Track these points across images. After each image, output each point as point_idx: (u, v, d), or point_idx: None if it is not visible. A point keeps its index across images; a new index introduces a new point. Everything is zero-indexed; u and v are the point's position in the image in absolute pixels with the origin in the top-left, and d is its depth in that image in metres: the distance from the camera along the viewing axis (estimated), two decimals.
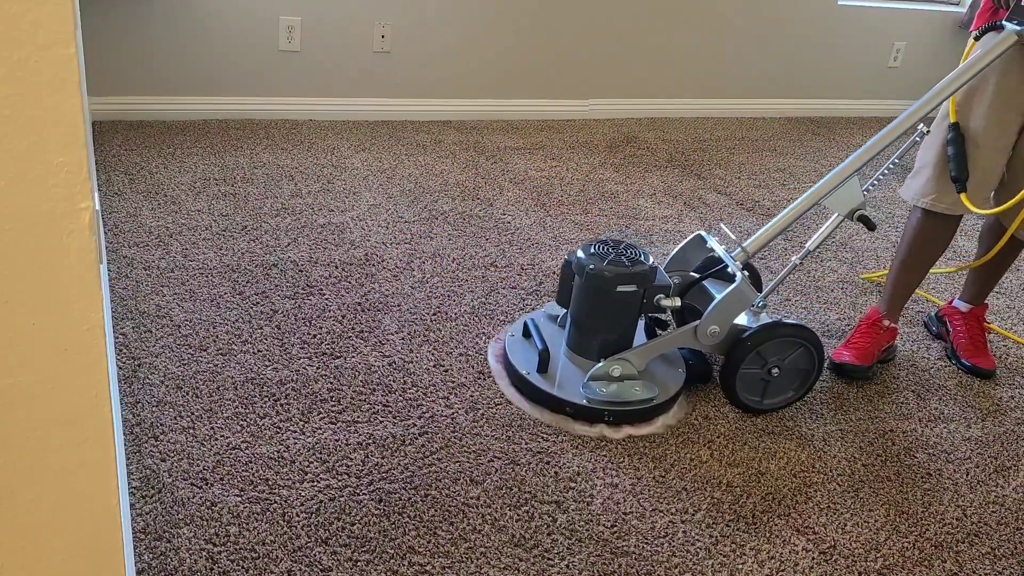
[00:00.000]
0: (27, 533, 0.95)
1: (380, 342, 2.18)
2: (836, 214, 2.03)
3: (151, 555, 1.51)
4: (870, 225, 2.00)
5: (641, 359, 2.01)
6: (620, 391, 1.96)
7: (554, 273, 2.63)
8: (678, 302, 1.99)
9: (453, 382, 2.07)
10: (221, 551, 1.54)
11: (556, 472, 1.83)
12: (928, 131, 2.06)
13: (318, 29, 3.52)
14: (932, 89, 1.99)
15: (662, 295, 1.97)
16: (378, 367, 2.09)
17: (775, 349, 2.02)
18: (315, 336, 2.17)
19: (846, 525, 1.80)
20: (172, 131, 3.34)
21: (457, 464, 1.82)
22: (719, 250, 2.06)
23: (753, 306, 2.05)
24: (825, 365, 2.24)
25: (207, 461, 1.74)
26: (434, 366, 2.12)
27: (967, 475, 1.99)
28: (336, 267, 2.51)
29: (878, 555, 1.73)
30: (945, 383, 2.32)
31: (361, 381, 2.03)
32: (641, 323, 2.10)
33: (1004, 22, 1.95)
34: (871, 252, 3.07)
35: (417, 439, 1.87)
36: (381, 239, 2.71)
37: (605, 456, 1.89)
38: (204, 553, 1.53)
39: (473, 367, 2.13)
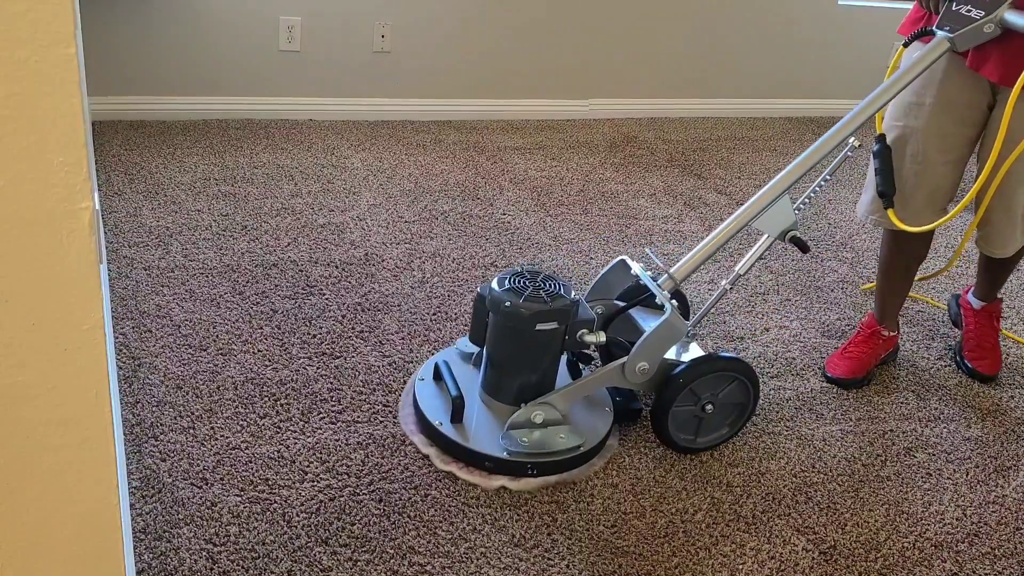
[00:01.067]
0: (27, 533, 0.95)
1: (380, 342, 2.18)
2: (767, 235, 1.93)
3: (151, 555, 1.51)
4: (803, 247, 1.90)
5: (565, 402, 1.83)
6: (544, 439, 1.79)
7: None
8: (603, 337, 1.82)
9: None
10: (221, 551, 1.54)
11: None
12: (859, 145, 1.93)
13: (318, 29, 3.52)
14: (862, 102, 1.90)
15: (585, 330, 1.80)
16: (378, 367, 2.09)
17: (709, 384, 1.88)
18: (315, 336, 2.17)
19: (846, 525, 1.80)
20: (172, 131, 3.34)
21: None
22: (644, 278, 1.92)
23: (686, 337, 1.95)
24: (822, 376, 2.23)
25: (207, 461, 1.74)
26: None
27: (967, 475, 1.99)
28: (336, 267, 2.51)
29: (878, 555, 1.73)
30: (945, 383, 2.32)
31: (361, 381, 2.03)
32: (562, 359, 1.97)
33: (935, 28, 1.87)
34: (872, 252, 3.06)
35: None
36: (381, 239, 2.71)
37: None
38: (204, 553, 1.53)
39: None
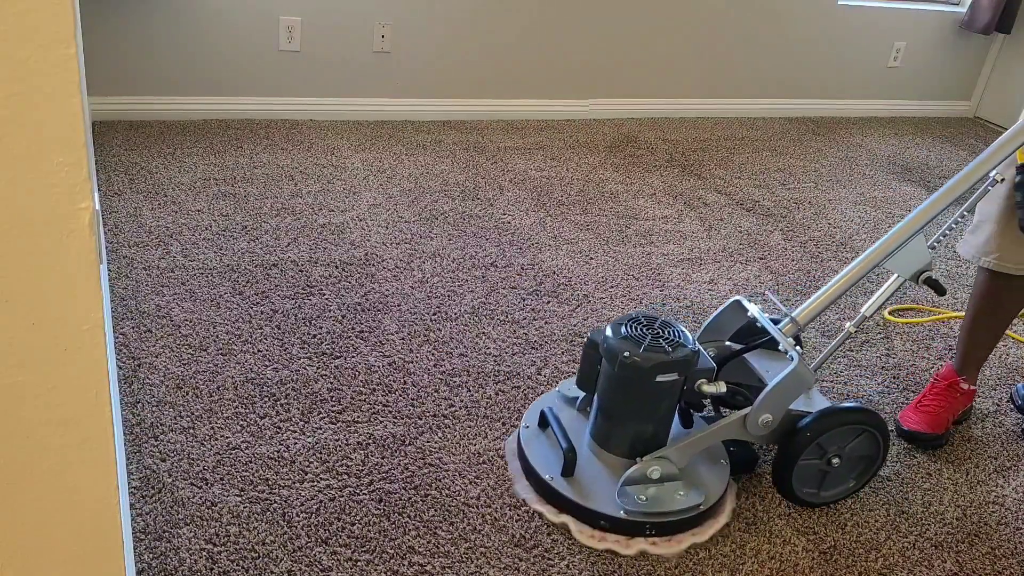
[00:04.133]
0: (27, 533, 0.95)
1: (380, 342, 2.18)
2: (895, 275, 1.78)
3: (151, 555, 1.51)
4: (939, 289, 1.76)
5: (683, 456, 1.72)
6: (661, 497, 1.67)
7: (554, 273, 2.63)
8: (723, 387, 1.71)
9: (453, 382, 2.07)
10: (221, 551, 1.54)
11: None
12: (1002, 179, 1.78)
13: (318, 29, 3.52)
14: (1006, 133, 1.71)
15: (704, 380, 1.70)
16: (378, 367, 2.09)
17: (837, 437, 1.76)
18: (315, 336, 2.17)
19: (846, 525, 1.80)
20: (172, 131, 3.34)
21: (457, 464, 1.82)
22: (764, 321, 1.79)
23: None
24: (891, 431, 2.08)
25: (207, 461, 1.74)
26: (434, 366, 2.12)
27: (967, 475, 1.99)
28: (336, 267, 2.51)
29: (878, 555, 1.73)
30: None
31: (361, 381, 2.03)
32: None
33: None
34: None
35: (417, 439, 1.87)
36: (381, 239, 2.71)
37: None
38: (204, 553, 1.53)
39: (473, 367, 2.13)
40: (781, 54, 4.43)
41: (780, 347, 1.76)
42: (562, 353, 2.23)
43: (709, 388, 1.70)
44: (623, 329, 1.68)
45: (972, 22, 4.63)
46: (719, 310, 1.90)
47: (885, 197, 3.64)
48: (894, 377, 2.32)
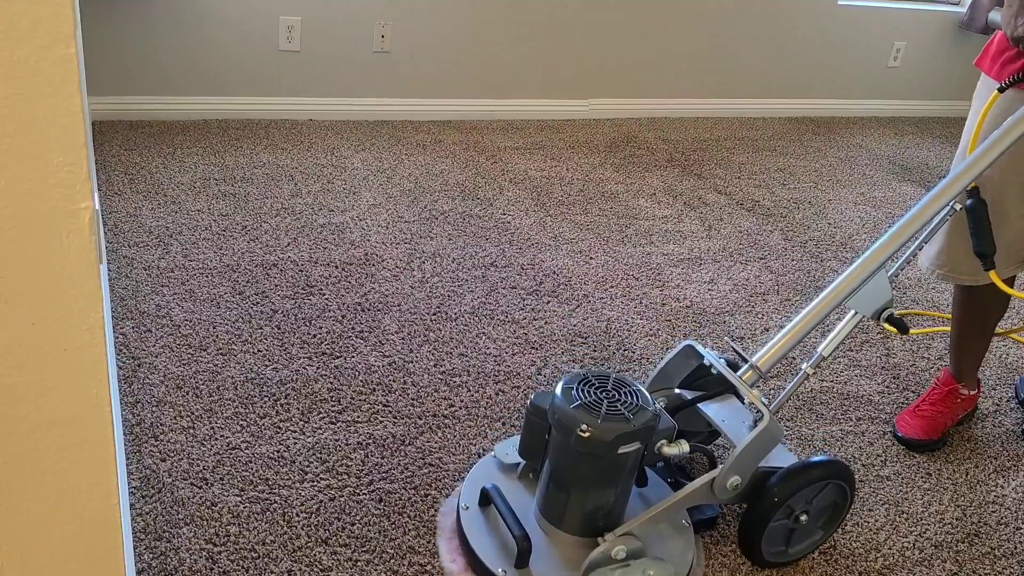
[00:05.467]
0: (27, 533, 0.95)
1: (380, 342, 2.18)
2: (854, 313, 1.67)
3: (151, 555, 1.51)
4: (902, 328, 1.64)
5: (648, 530, 1.57)
6: None
7: (554, 273, 2.63)
8: (686, 447, 1.55)
9: (453, 382, 2.07)
10: (221, 551, 1.54)
11: None
12: (961, 208, 1.69)
13: (318, 29, 3.52)
14: (966, 160, 1.65)
15: (664, 441, 1.54)
16: (378, 367, 2.09)
17: (805, 495, 1.63)
18: (315, 336, 2.17)
19: (846, 525, 1.80)
20: (172, 131, 3.34)
21: (457, 464, 1.82)
22: (722, 368, 1.64)
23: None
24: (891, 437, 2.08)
25: (207, 461, 1.74)
26: (434, 366, 2.12)
27: (967, 475, 1.99)
28: (336, 267, 2.51)
29: (878, 555, 1.73)
30: None
31: (361, 381, 2.03)
32: None
33: None
34: None
35: (417, 439, 1.87)
36: (381, 239, 2.71)
37: None
38: (204, 553, 1.53)
39: (473, 367, 2.13)
40: (781, 54, 4.43)
41: (745, 401, 1.64)
42: (562, 353, 2.24)
43: (671, 450, 1.54)
44: (574, 394, 1.48)
45: (972, 22, 4.63)
46: (669, 356, 1.75)
47: (885, 197, 3.64)
48: (894, 377, 2.32)
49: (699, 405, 1.68)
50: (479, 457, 1.84)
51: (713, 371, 1.68)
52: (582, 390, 1.50)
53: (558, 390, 1.51)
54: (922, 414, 2.07)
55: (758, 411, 1.59)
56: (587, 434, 1.43)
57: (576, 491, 1.53)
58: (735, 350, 1.71)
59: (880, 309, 1.65)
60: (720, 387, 1.67)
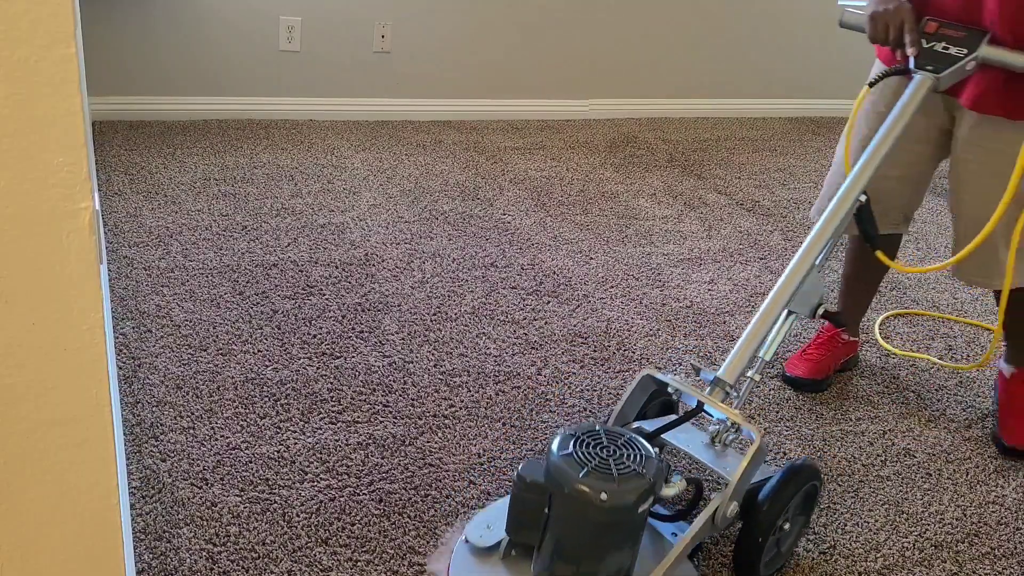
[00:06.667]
0: (27, 533, 0.95)
1: (380, 342, 2.19)
2: (788, 313, 1.70)
3: (151, 555, 1.51)
4: (837, 322, 1.73)
5: None
6: None
7: (554, 273, 2.63)
8: (683, 484, 1.46)
9: (453, 382, 2.07)
10: (221, 551, 1.54)
11: None
12: (867, 199, 1.76)
13: (318, 29, 3.52)
14: (863, 158, 1.75)
15: (663, 482, 1.45)
16: (378, 367, 2.09)
17: (791, 504, 1.59)
18: (315, 336, 2.17)
19: (846, 525, 1.80)
20: (172, 131, 3.34)
21: (457, 464, 1.82)
22: (688, 391, 1.57)
23: (719, 443, 1.62)
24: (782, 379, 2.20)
25: (207, 461, 1.74)
26: (434, 366, 2.12)
27: (967, 475, 1.99)
28: (336, 267, 2.51)
29: (878, 555, 1.73)
30: (945, 383, 2.32)
31: (361, 381, 2.03)
32: None
33: (913, 68, 1.76)
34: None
35: (417, 439, 1.87)
36: (381, 239, 2.71)
37: None
38: (204, 553, 1.53)
39: (473, 367, 2.13)
40: (781, 54, 4.43)
41: (727, 422, 1.58)
42: (562, 353, 2.24)
43: (670, 491, 1.44)
44: (576, 457, 1.35)
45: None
46: (629, 390, 1.65)
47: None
48: (893, 377, 2.32)
49: (665, 436, 1.59)
50: (479, 457, 1.84)
51: (676, 396, 1.62)
52: (582, 452, 1.37)
53: (555, 457, 1.37)
54: (808, 357, 2.24)
55: (728, 427, 1.60)
56: (607, 502, 1.32)
57: (590, 561, 1.39)
58: (699, 368, 1.65)
59: (816, 306, 1.71)
60: (690, 411, 1.57)
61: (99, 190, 2.78)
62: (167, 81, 3.40)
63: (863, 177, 1.74)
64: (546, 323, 2.36)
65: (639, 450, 1.40)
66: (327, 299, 2.34)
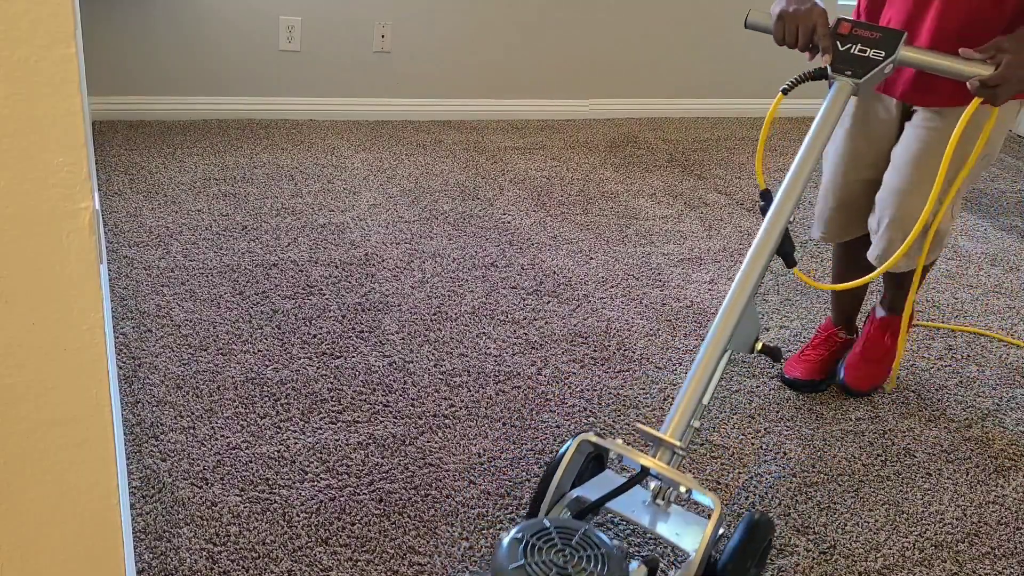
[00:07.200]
0: (27, 533, 0.95)
1: (380, 342, 2.19)
2: (726, 352, 1.55)
3: (151, 555, 1.52)
4: (776, 355, 1.59)
5: None
6: None
7: (554, 273, 2.63)
8: (644, 572, 1.38)
9: (453, 382, 2.07)
10: (221, 551, 1.54)
11: None
12: (793, 219, 1.65)
13: (318, 29, 3.52)
14: (788, 175, 1.64)
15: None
16: (378, 367, 2.09)
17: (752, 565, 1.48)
18: (315, 336, 2.17)
19: (846, 525, 1.80)
20: (172, 131, 3.34)
21: (457, 464, 1.82)
22: (633, 456, 1.43)
23: (661, 500, 1.51)
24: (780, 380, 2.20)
25: (207, 461, 1.74)
26: (434, 366, 2.12)
27: (967, 475, 1.99)
28: (336, 267, 2.51)
29: (878, 555, 1.73)
30: (945, 383, 2.32)
31: (361, 381, 2.03)
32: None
33: (830, 73, 1.69)
34: None
35: (417, 439, 1.87)
36: (381, 239, 2.71)
37: None
38: (204, 553, 1.53)
39: (473, 367, 2.13)
40: (781, 54, 4.42)
41: (693, 495, 1.44)
42: (562, 353, 2.24)
43: None
44: (530, 570, 1.19)
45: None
46: (565, 459, 1.49)
47: None
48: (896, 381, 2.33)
49: (609, 505, 1.47)
50: (479, 457, 1.84)
51: (616, 459, 1.49)
52: (535, 562, 1.19)
53: (505, 572, 1.19)
54: (806, 358, 2.25)
55: (665, 487, 1.48)
56: None
57: None
58: (645, 431, 1.48)
59: (752, 343, 1.61)
60: (634, 477, 1.44)
61: (99, 190, 2.78)
62: (167, 81, 3.40)
63: (789, 204, 1.62)
64: (546, 323, 2.36)
65: (597, 549, 1.24)
66: (327, 299, 2.34)
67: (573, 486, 1.53)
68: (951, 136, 1.64)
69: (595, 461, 1.59)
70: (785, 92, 1.71)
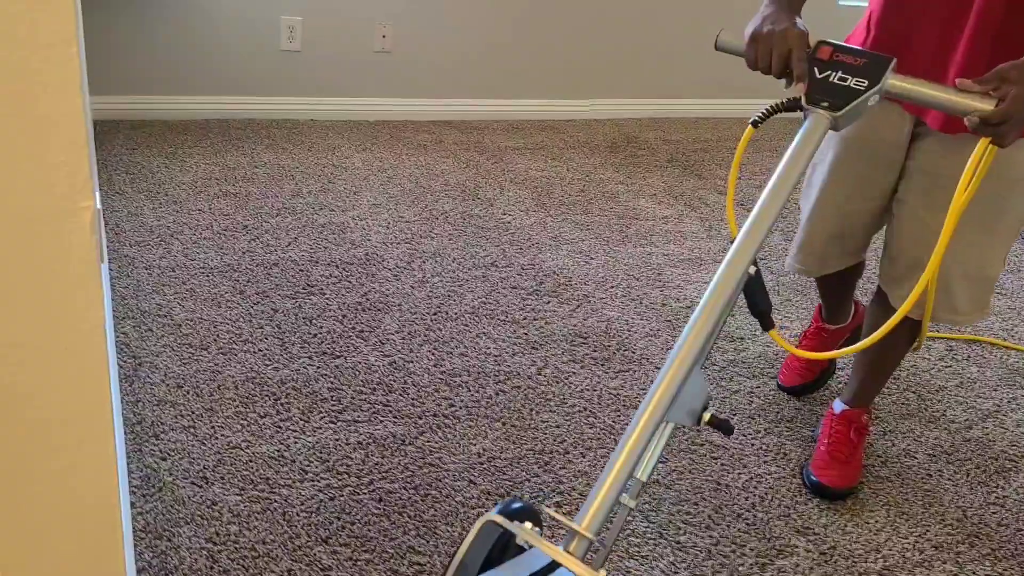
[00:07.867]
0: (27, 533, 0.95)
1: (380, 342, 2.19)
2: (667, 424, 1.31)
3: (151, 554, 1.52)
4: (727, 429, 1.35)
5: None
6: None
7: (554, 273, 2.63)
8: None
9: (453, 382, 2.07)
10: (221, 550, 1.54)
11: (556, 472, 1.83)
12: (756, 270, 1.38)
13: (319, 29, 3.52)
14: (750, 219, 1.36)
15: None
16: (378, 367, 2.09)
17: None
18: (315, 336, 2.18)
19: (846, 526, 1.80)
20: (173, 131, 3.34)
21: (457, 464, 1.82)
22: (548, 551, 1.22)
23: None
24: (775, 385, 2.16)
25: (207, 460, 1.74)
26: (434, 366, 2.12)
27: (967, 475, 1.99)
28: (336, 267, 2.51)
29: (878, 556, 1.73)
30: (945, 383, 2.32)
31: (361, 381, 2.03)
32: None
33: (804, 104, 1.46)
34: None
35: (417, 439, 1.87)
36: (381, 239, 2.71)
37: (605, 459, 1.89)
38: (204, 552, 1.53)
39: (473, 367, 2.13)
40: None
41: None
42: (562, 353, 2.24)
43: None
44: None
45: None
46: (469, 542, 1.32)
47: None
48: (893, 379, 2.32)
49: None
50: (479, 457, 1.84)
51: (527, 547, 1.28)
52: None
53: None
54: (797, 362, 2.22)
55: None
56: None
57: None
58: (560, 520, 1.27)
59: (699, 412, 1.34)
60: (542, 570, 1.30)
61: (100, 189, 2.78)
62: (168, 81, 3.40)
63: (752, 246, 1.35)
64: (546, 323, 2.36)
65: None
66: (327, 298, 2.34)
67: (483, 569, 1.32)
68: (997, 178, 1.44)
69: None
70: (755, 125, 1.51)
